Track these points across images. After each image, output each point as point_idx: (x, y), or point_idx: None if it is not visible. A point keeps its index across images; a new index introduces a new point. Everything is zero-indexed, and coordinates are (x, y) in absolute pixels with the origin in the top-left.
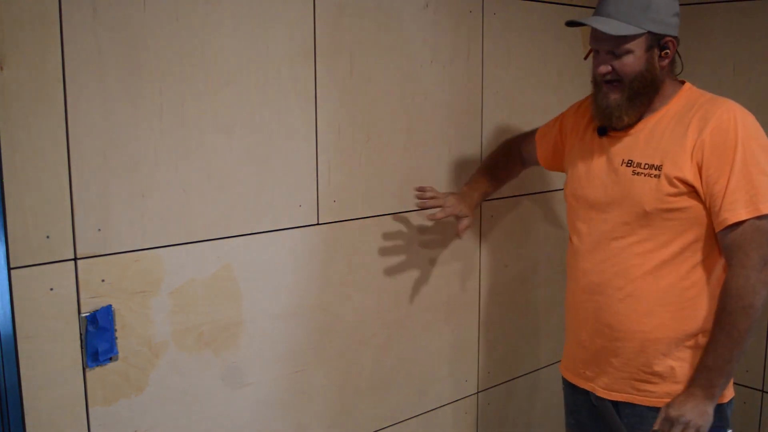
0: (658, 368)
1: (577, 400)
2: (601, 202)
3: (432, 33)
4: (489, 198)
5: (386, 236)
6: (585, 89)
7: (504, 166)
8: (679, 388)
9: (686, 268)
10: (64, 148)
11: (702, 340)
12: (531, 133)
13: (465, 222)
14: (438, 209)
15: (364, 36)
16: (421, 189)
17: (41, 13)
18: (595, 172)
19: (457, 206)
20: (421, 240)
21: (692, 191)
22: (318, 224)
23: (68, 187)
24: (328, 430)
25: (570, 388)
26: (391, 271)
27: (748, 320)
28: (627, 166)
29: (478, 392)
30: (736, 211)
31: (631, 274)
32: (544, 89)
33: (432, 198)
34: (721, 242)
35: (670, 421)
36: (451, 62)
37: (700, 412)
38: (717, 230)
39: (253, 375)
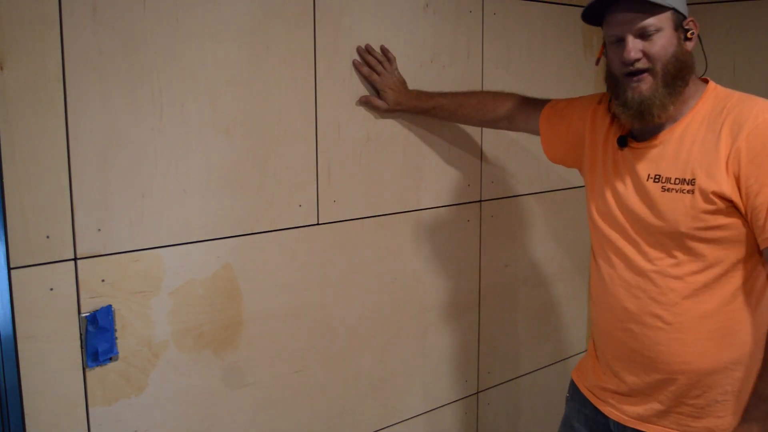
0: (701, 401)
1: (584, 412)
2: (629, 223)
3: (432, 33)
4: (420, 114)
5: (386, 236)
6: (585, 90)
7: (473, 110)
8: (720, 422)
9: (729, 290)
10: (64, 148)
11: (750, 366)
12: (535, 105)
13: (377, 102)
14: (369, 70)
15: (364, 36)
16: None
17: (41, 13)
18: (620, 191)
19: (389, 87)
20: (421, 240)
21: (731, 206)
22: (318, 224)
23: (68, 187)
24: (328, 430)
25: (581, 399)
26: (391, 272)
27: None
28: (655, 181)
29: (478, 392)
30: None
31: (670, 299)
32: (544, 89)
33: (376, 60)
34: None
35: None
36: (451, 62)
37: None
38: (762, 246)
39: (253, 375)
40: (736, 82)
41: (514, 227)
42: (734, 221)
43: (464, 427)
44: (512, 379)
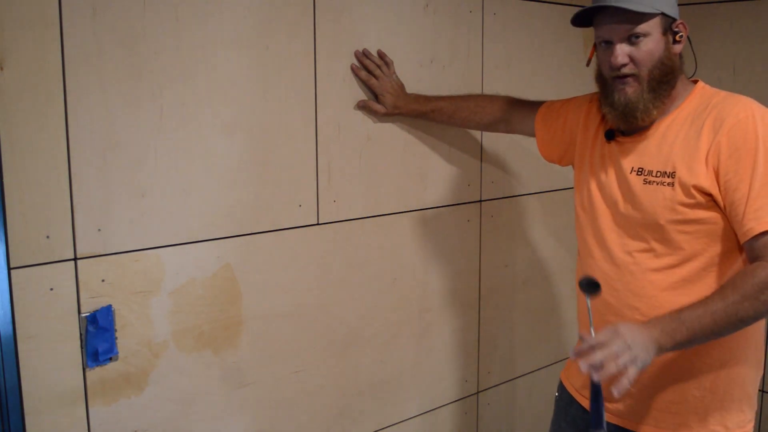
0: (678, 397)
1: (570, 412)
2: (611, 215)
3: (432, 33)
4: (419, 117)
5: (386, 236)
6: (585, 89)
7: (470, 113)
8: (700, 420)
9: (708, 284)
10: (64, 148)
11: (730, 363)
12: (531, 107)
13: (375, 106)
14: (368, 75)
15: (364, 36)
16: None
17: (41, 13)
18: (604, 182)
19: (387, 91)
20: (420, 240)
21: (710, 200)
22: (318, 224)
23: (68, 187)
24: (328, 430)
25: (568, 399)
26: (390, 272)
27: (754, 313)
28: (637, 174)
29: (478, 392)
30: (762, 220)
31: (648, 292)
32: (544, 89)
33: (374, 64)
34: (748, 253)
35: (613, 339)
36: (451, 62)
37: (646, 349)
38: (742, 241)
39: (253, 375)
40: (736, 82)
41: (514, 227)
42: (713, 215)
43: (464, 427)
44: (512, 379)
